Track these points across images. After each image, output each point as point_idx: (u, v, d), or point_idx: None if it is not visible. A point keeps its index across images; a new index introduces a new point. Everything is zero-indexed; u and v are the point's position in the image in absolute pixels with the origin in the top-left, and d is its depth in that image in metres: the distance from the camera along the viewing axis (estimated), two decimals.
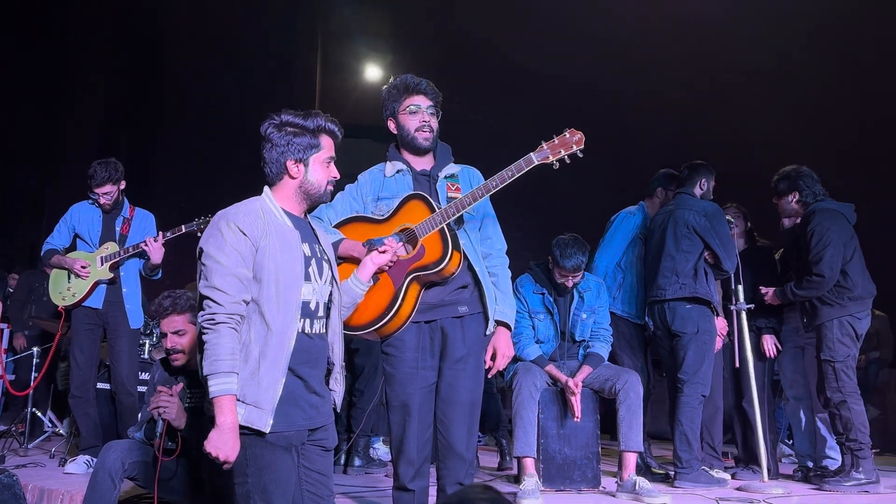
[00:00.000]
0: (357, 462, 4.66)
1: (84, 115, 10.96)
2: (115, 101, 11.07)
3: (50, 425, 5.66)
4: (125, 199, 4.77)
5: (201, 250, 2.37)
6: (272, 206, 2.47)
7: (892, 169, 8.48)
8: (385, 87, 3.14)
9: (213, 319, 2.26)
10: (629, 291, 4.79)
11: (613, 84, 9.88)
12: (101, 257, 4.54)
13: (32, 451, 5.19)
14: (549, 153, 2.82)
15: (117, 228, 4.70)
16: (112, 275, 4.55)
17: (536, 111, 9.96)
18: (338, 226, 3.03)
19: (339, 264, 2.87)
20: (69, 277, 4.58)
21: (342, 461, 4.64)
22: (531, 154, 2.84)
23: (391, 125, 3.10)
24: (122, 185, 4.68)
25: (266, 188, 2.52)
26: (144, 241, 4.48)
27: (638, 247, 4.85)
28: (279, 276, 2.37)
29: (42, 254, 4.76)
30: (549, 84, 10.41)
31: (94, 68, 11.06)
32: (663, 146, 9.07)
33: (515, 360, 4.21)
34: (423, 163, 3.08)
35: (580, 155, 2.83)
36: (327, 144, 2.53)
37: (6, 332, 6.57)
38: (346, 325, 2.84)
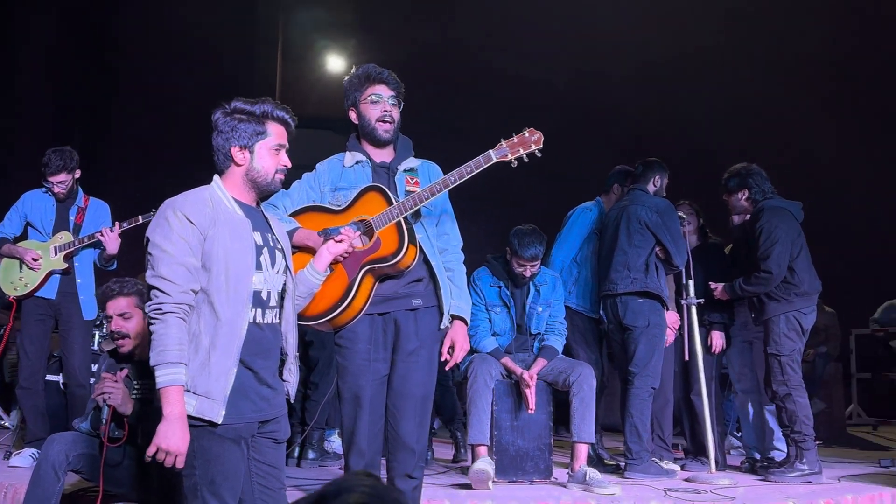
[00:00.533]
0: (311, 455, 4.65)
1: (35, 104, 10.68)
2: (67, 89, 10.78)
3: None
4: (80, 189, 4.69)
5: (148, 240, 2.33)
6: (221, 194, 2.43)
7: (839, 169, 8.71)
8: (347, 76, 3.12)
9: (161, 309, 2.23)
10: (584, 286, 4.84)
11: (575, 84, 9.95)
12: (55, 247, 4.45)
13: None
14: (507, 151, 2.83)
15: (71, 218, 4.61)
16: (66, 265, 4.46)
17: (501, 105, 9.97)
18: (293, 214, 2.99)
19: (293, 253, 2.82)
20: (21, 267, 4.47)
21: (296, 454, 4.62)
22: (490, 151, 2.84)
23: (352, 115, 3.06)
24: (77, 174, 4.59)
25: (216, 176, 2.49)
26: (100, 231, 4.41)
27: (594, 242, 4.90)
28: (229, 265, 2.34)
29: None
30: (514, 79, 10.41)
31: (44, 55, 10.78)
32: (622, 144, 9.15)
33: (472, 352, 4.25)
34: (383, 155, 3.06)
35: (539, 154, 2.85)
36: (276, 131, 2.49)
37: None
38: (299, 316, 2.81)
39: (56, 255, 4.44)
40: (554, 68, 9.89)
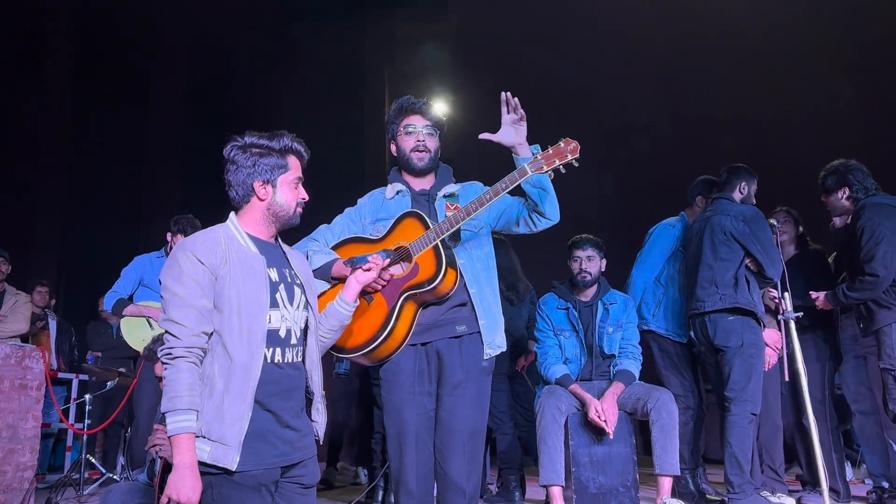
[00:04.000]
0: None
1: (164, 170, 11.42)
2: (193, 155, 11.43)
3: (115, 470, 5.75)
4: None
5: (160, 282, 2.30)
6: (235, 231, 2.38)
7: None
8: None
9: (171, 354, 2.18)
10: (671, 307, 4.49)
11: (657, 101, 9.72)
12: None
13: (91, 498, 5.25)
14: (543, 163, 2.66)
15: None
16: None
17: (593, 139, 9.83)
18: (335, 247, 2.94)
19: (334, 286, 2.79)
20: (151, 325, 4.82)
21: (380, 497, 4.49)
22: (525, 165, 2.68)
23: (392, 147, 3.02)
24: None
25: (231, 214, 2.43)
26: None
27: (679, 260, 4.54)
28: (241, 305, 2.26)
29: (113, 304, 5.00)
30: (609, 111, 10.25)
31: (172, 121, 11.56)
32: (702, 156, 8.73)
33: (544, 382, 4.03)
34: (423, 183, 2.98)
35: (575, 164, 2.65)
36: (295, 165, 2.44)
37: (75, 382, 6.72)
38: (340, 348, 2.75)
39: None
40: (646, 91, 9.66)
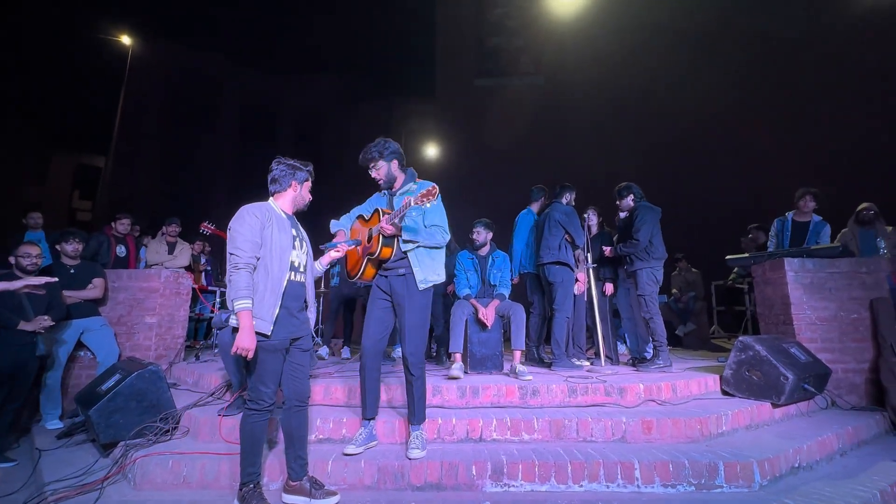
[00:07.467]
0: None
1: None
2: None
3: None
4: None
5: (230, 227, 2.22)
6: (273, 205, 2.34)
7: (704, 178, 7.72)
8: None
9: (237, 266, 2.16)
10: (533, 258, 4.39)
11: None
12: None
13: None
14: (420, 197, 2.44)
15: None
16: None
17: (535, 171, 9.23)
18: (357, 217, 2.81)
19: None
20: None
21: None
22: (411, 198, 2.47)
23: None
24: None
25: (271, 198, 2.37)
26: None
27: (534, 235, 4.42)
28: (277, 245, 2.23)
29: None
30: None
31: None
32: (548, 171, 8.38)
33: (456, 298, 3.94)
34: (396, 185, 2.74)
35: (435, 200, 2.47)
36: (310, 179, 2.42)
37: (219, 292, 6.39)
38: (348, 273, 2.71)
39: None
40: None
